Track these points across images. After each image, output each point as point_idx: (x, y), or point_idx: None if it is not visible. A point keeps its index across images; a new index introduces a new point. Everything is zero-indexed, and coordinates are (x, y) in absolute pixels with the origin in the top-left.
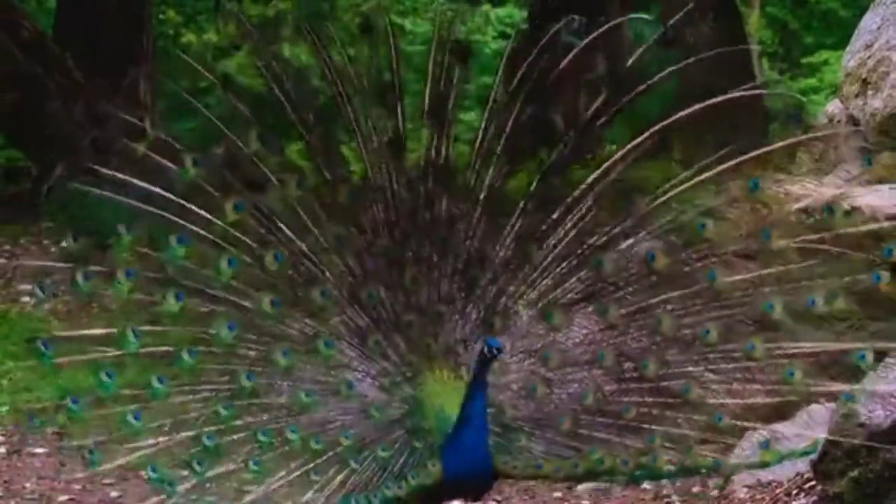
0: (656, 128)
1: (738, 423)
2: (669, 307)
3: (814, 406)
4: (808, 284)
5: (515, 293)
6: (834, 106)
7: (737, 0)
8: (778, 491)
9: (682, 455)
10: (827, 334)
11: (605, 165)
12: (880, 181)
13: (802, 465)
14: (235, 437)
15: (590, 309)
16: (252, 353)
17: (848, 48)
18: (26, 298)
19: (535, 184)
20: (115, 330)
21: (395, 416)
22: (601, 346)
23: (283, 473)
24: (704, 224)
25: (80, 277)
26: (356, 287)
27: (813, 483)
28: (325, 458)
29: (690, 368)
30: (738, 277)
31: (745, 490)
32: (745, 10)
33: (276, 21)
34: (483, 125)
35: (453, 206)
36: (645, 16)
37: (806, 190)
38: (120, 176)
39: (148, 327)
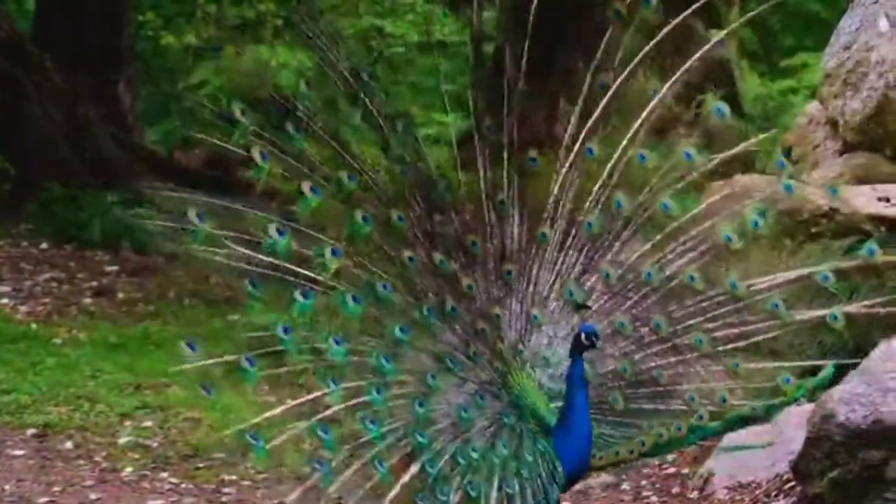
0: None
1: (752, 365)
2: (650, 259)
3: (793, 408)
4: (742, 205)
5: (541, 280)
6: (813, 107)
7: None
8: (758, 492)
9: (719, 408)
10: (786, 263)
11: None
12: (858, 181)
13: (782, 466)
14: (444, 460)
15: (593, 279)
16: (410, 382)
17: (827, 49)
18: (5, 301)
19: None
20: (313, 396)
21: (514, 421)
22: (615, 315)
23: (491, 491)
24: (644, 155)
25: (245, 364)
26: (440, 303)
27: (793, 484)
28: (505, 469)
29: (692, 321)
30: (691, 213)
31: (725, 491)
32: (724, 9)
33: (256, 23)
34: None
35: (458, 212)
36: None
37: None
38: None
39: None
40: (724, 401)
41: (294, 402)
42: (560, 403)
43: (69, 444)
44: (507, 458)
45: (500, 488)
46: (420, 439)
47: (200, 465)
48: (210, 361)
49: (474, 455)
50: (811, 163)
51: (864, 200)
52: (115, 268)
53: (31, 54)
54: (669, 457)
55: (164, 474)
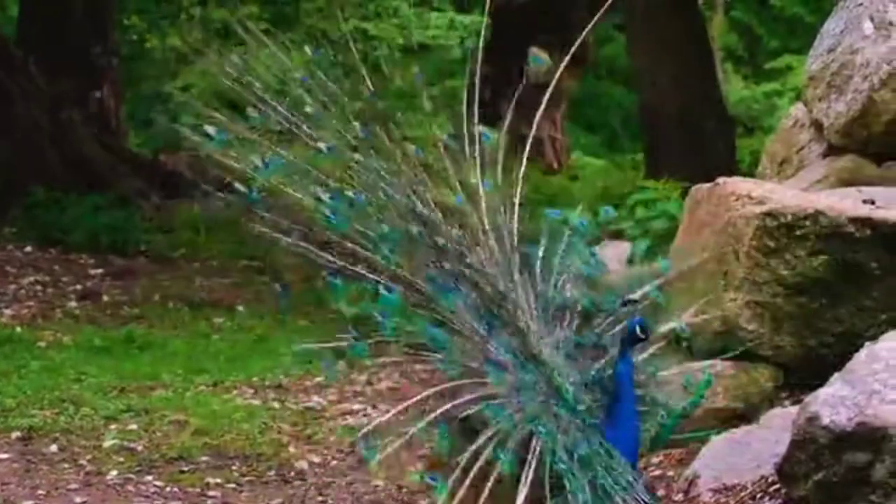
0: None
1: (664, 372)
2: (550, 283)
3: (776, 409)
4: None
5: (526, 295)
6: (797, 109)
7: (700, 3)
8: (742, 495)
9: (665, 407)
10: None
11: None
12: (843, 184)
13: (767, 469)
14: (561, 454)
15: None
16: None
17: (811, 52)
18: None
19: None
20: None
21: (578, 418)
22: (566, 330)
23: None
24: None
25: (352, 340)
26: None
27: (777, 486)
28: (602, 462)
29: (609, 334)
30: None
31: (710, 494)
32: (709, 13)
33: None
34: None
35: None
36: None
37: (769, 193)
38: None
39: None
40: (666, 402)
41: (407, 403)
42: (582, 406)
43: (54, 448)
44: (598, 451)
45: (615, 480)
46: (541, 429)
47: (185, 469)
48: (319, 345)
49: (585, 448)
50: (796, 165)
51: (849, 203)
52: (99, 271)
53: (16, 58)
54: (655, 459)
55: (149, 477)
